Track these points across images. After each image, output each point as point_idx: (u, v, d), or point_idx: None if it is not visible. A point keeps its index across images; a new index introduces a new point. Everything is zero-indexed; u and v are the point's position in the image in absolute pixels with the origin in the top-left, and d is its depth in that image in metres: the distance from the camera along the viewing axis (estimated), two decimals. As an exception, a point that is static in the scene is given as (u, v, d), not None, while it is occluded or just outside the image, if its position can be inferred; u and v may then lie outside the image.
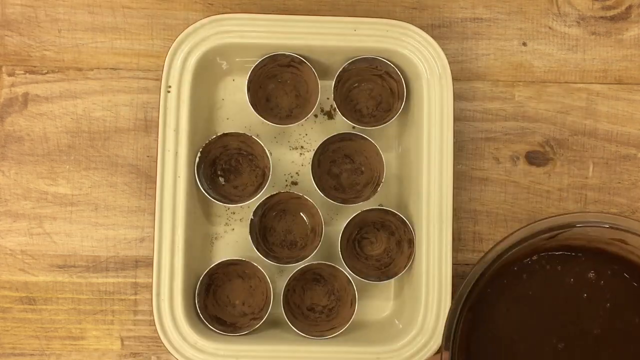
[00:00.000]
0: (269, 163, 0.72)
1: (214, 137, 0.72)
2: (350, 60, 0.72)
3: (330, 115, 0.76)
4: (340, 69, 0.72)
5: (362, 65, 0.73)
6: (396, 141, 0.76)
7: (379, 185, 0.72)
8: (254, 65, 0.72)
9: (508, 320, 0.65)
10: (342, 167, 0.75)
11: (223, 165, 0.75)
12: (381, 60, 0.72)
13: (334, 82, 0.73)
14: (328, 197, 0.72)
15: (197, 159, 0.71)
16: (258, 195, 0.72)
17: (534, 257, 0.66)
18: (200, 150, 0.72)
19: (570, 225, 0.62)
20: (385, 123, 0.73)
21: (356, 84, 0.76)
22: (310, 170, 0.72)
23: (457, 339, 0.61)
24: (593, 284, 0.65)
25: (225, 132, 0.72)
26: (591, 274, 0.65)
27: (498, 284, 0.65)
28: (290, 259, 0.72)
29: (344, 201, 0.72)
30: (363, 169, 0.75)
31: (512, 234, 0.61)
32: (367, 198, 0.72)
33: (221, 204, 0.73)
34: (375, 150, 0.72)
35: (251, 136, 0.72)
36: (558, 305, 0.65)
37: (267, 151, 0.72)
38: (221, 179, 0.75)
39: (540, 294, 0.66)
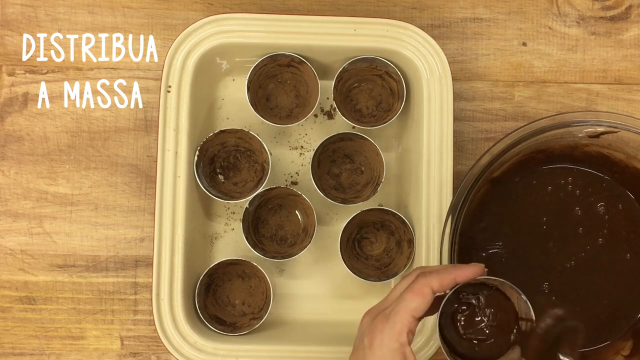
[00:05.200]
0: (268, 157, 0.72)
1: (211, 134, 0.72)
2: (350, 60, 0.72)
3: (330, 115, 0.76)
4: (340, 69, 0.72)
5: (362, 65, 0.73)
6: (396, 141, 0.76)
7: (379, 185, 0.72)
8: (254, 65, 0.72)
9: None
10: (342, 167, 0.75)
11: (222, 163, 0.75)
12: (381, 60, 0.72)
13: (334, 82, 0.73)
14: (328, 197, 0.71)
15: (196, 158, 0.71)
16: (258, 191, 0.71)
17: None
18: (198, 148, 0.72)
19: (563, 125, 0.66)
20: (385, 123, 0.73)
21: (356, 84, 0.76)
22: (310, 170, 0.72)
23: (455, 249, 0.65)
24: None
25: (222, 128, 0.72)
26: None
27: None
28: (277, 254, 0.72)
29: (344, 201, 0.72)
30: (363, 169, 0.75)
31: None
32: (367, 198, 0.72)
33: (221, 202, 0.73)
34: (375, 150, 0.72)
35: (248, 131, 0.72)
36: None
37: (265, 145, 0.72)
38: (220, 177, 0.75)
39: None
